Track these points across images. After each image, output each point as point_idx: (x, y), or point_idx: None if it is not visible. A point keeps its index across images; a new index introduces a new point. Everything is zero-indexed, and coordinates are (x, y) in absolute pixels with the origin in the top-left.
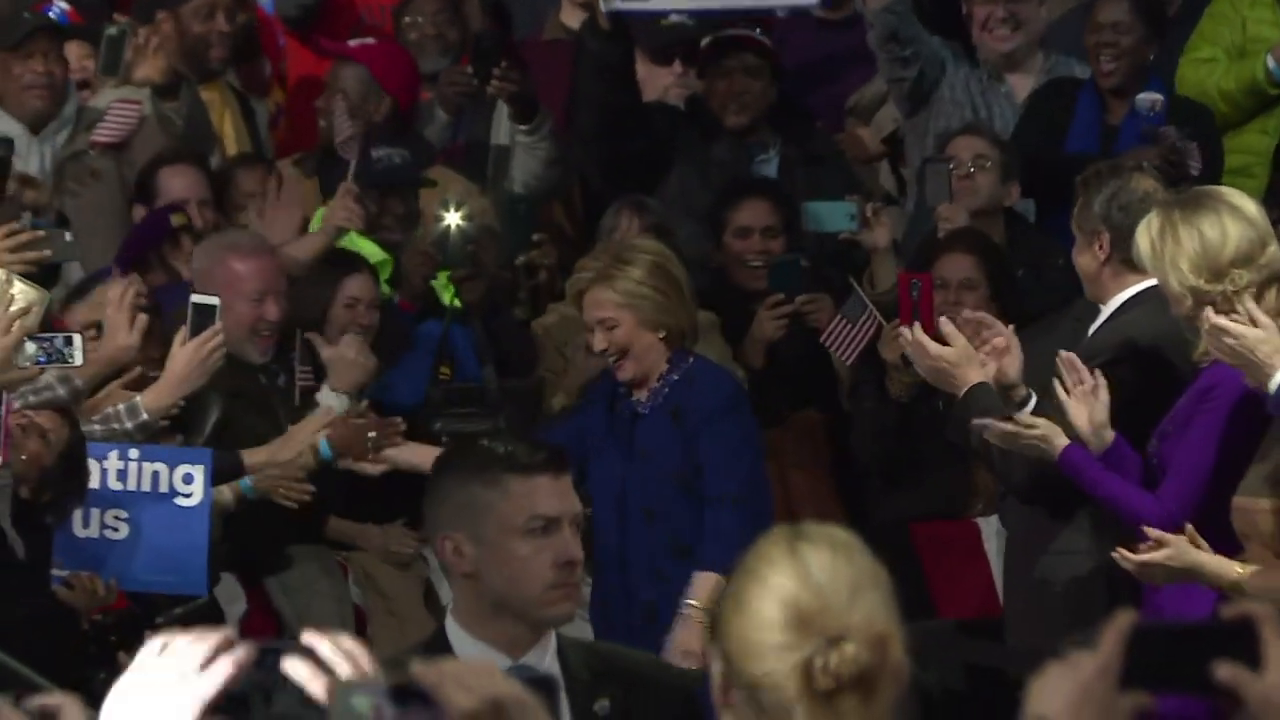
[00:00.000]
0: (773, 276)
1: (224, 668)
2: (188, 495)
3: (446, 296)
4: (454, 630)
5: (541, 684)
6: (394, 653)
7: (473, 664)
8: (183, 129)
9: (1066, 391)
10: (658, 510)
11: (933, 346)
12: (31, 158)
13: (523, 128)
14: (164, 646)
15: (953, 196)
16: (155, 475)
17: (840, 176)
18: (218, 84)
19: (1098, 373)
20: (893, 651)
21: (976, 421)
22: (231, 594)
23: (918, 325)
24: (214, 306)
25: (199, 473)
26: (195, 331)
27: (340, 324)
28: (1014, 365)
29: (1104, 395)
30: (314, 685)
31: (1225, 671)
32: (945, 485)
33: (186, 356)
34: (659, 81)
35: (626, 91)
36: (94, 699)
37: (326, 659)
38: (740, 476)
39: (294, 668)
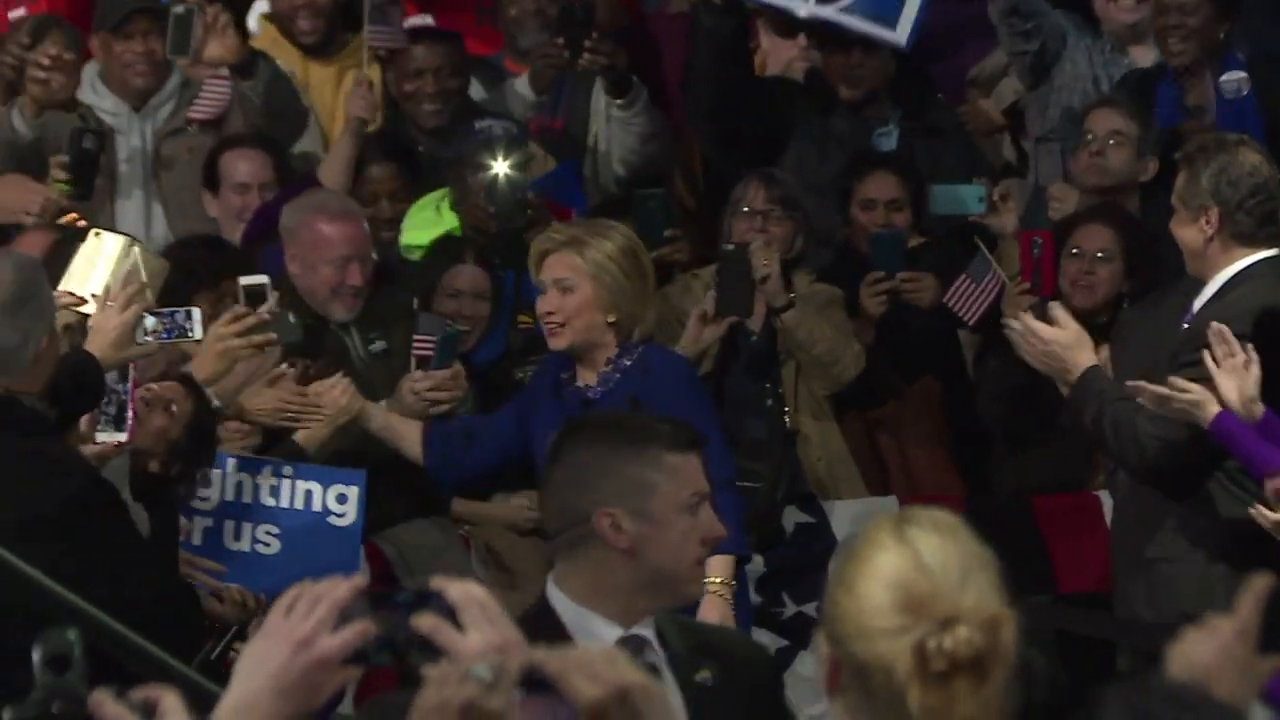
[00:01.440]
0: (874, 253)
1: (353, 628)
2: (340, 515)
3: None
4: (560, 600)
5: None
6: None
7: (597, 651)
8: (261, 108)
9: (1216, 363)
10: None
11: (1046, 330)
12: (134, 135)
13: (617, 102)
14: (291, 606)
15: (1067, 176)
16: (309, 494)
17: (961, 149)
18: (340, 58)
19: (1249, 346)
20: (1005, 633)
21: (1130, 384)
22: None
23: (1026, 315)
24: (264, 285)
25: (353, 494)
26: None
27: (446, 314)
28: (1251, 383)
29: (1255, 370)
30: (442, 636)
31: None
32: (1067, 456)
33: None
34: (783, 54)
35: (739, 67)
36: (208, 671)
37: (456, 605)
38: (726, 460)
39: (424, 621)
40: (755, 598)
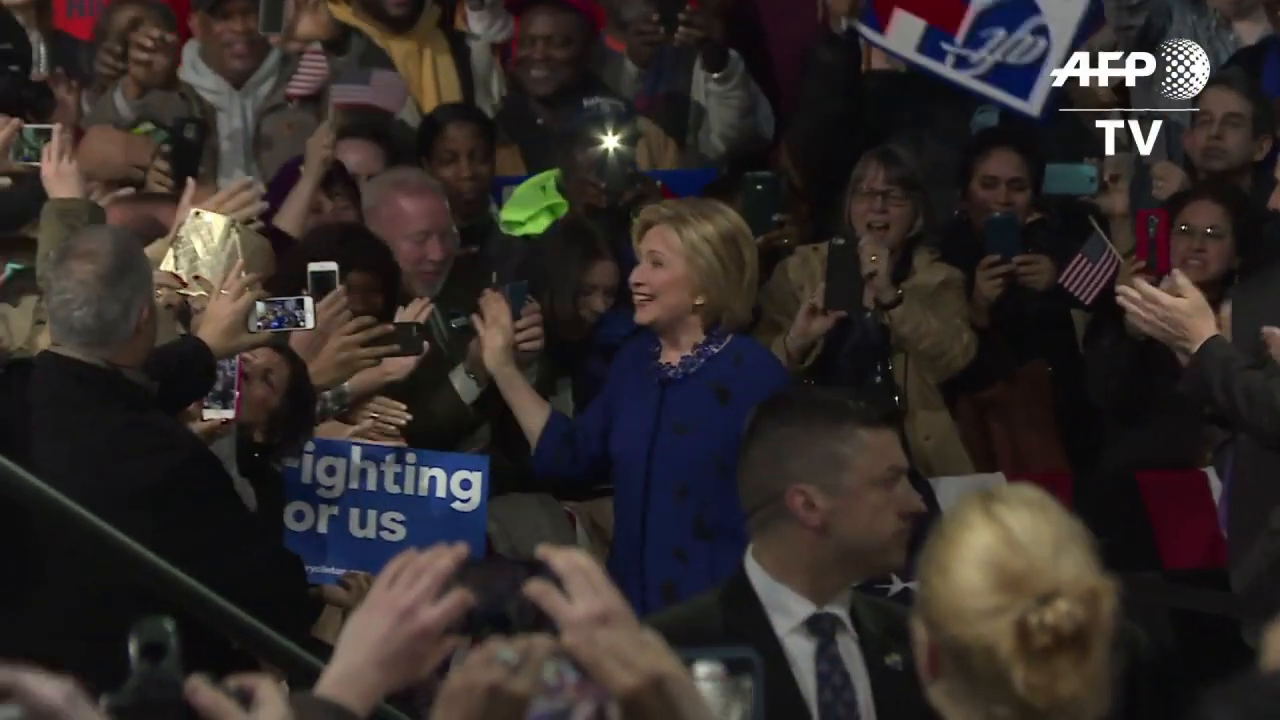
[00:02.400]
0: (989, 236)
1: (453, 598)
2: (465, 500)
3: None
4: (758, 575)
5: (739, 665)
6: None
7: (633, 638)
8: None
9: None
10: (690, 488)
11: (1166, 298)
12: (234, 113)
13: (714, 76)
14: (394, 578)
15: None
16: (433, 480)
17: (1067, 126)
18: (417, 33)
19: None
20: (1104, 606)
21: (1267, 329)
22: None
23: (1141, 281)
24: (332, 272)
25: (476, 479)
26: (317, 297)
27: (593, 311)
28: None
29: None
30: (551, 601)
31: None
32: (1174, 433)
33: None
34: None
35: (850, 98)
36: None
37: (562, 573)
38: None
39: (534, 587)
40: None
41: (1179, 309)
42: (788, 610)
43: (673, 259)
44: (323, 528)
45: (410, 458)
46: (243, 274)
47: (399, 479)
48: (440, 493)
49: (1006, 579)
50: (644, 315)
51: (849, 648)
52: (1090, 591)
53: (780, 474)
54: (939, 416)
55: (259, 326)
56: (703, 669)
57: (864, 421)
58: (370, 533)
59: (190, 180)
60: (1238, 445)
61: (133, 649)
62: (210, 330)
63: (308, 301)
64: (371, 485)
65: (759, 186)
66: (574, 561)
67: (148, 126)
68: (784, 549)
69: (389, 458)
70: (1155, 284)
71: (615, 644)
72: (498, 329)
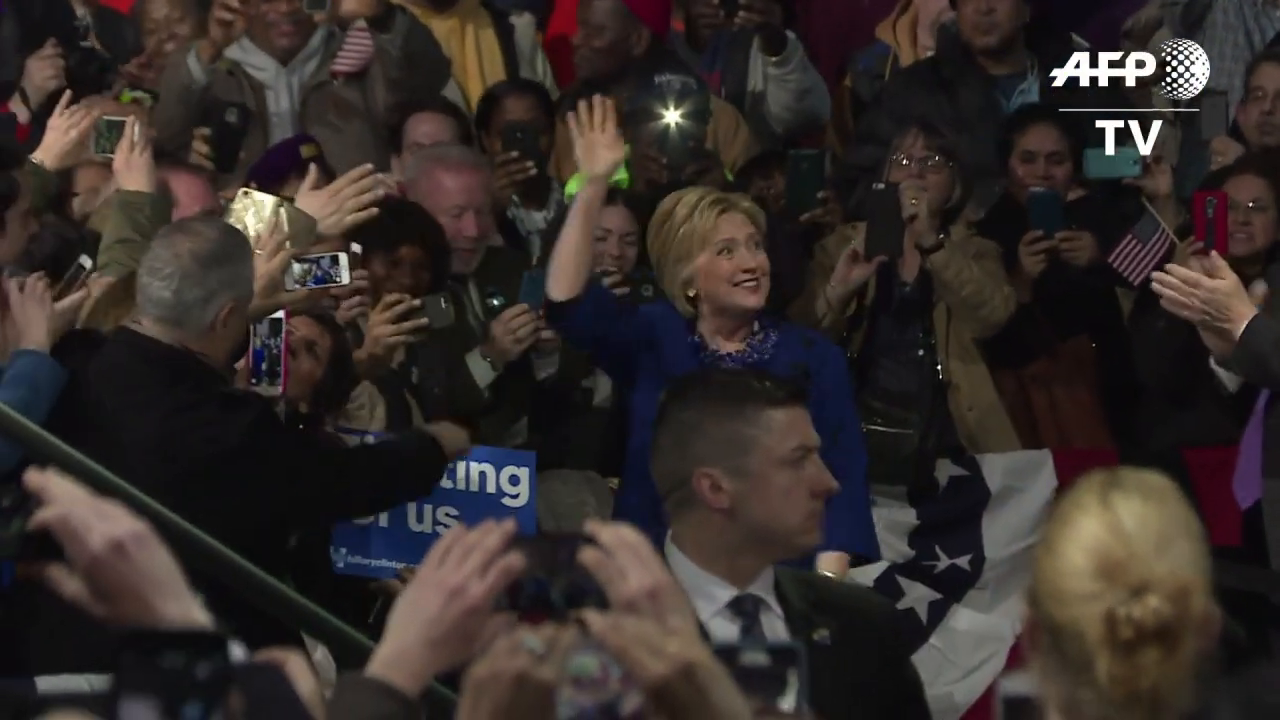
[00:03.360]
0: (1032, 211)
1: (500, 571)
2: (514, 496)
3: None
4: (677, 560)
5: (784, 654)
6: None
7: (663, 627)
8: (400, 59)
9: None
10: None
11: (1207, 280)
12: (281, 90)
13: (772, 59)
14: (443, 556)
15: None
16: (483, 476)
17: (1109, 102)
18: (459, 10)
19: None
20: (1195, 603)
21: None
22: None
23: (1178, 267)
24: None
25: (524, 475)
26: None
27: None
28: None
29: None
30: (606, 572)
31: None
32: (1221, 411)
33: None
34: (933, 6)
35: None
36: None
37: (610, 548)
38: (860, 452)
39: (589, 557)
40: (908, 551)
41: (1221, 290)
42: (709, 594)
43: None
44: (383, 522)
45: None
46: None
47: (450, 474)
48: (490, 488)
49: (1105, 566)
50: (758, 299)
51: (774, 626)
52: (1182, 588)
53: (686, 458)
54: (983, 388)
55: (296, 285)
56: (748, 658)
57: (769, 401)
58: (426, 527)
59: (313, 167)
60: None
61: None
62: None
63: (343, 258)
64: None
65: (803, 164)
66: (623, 536)
67: (137, 94)
68: (698, 533)
69: None
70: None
71: (643, 632)
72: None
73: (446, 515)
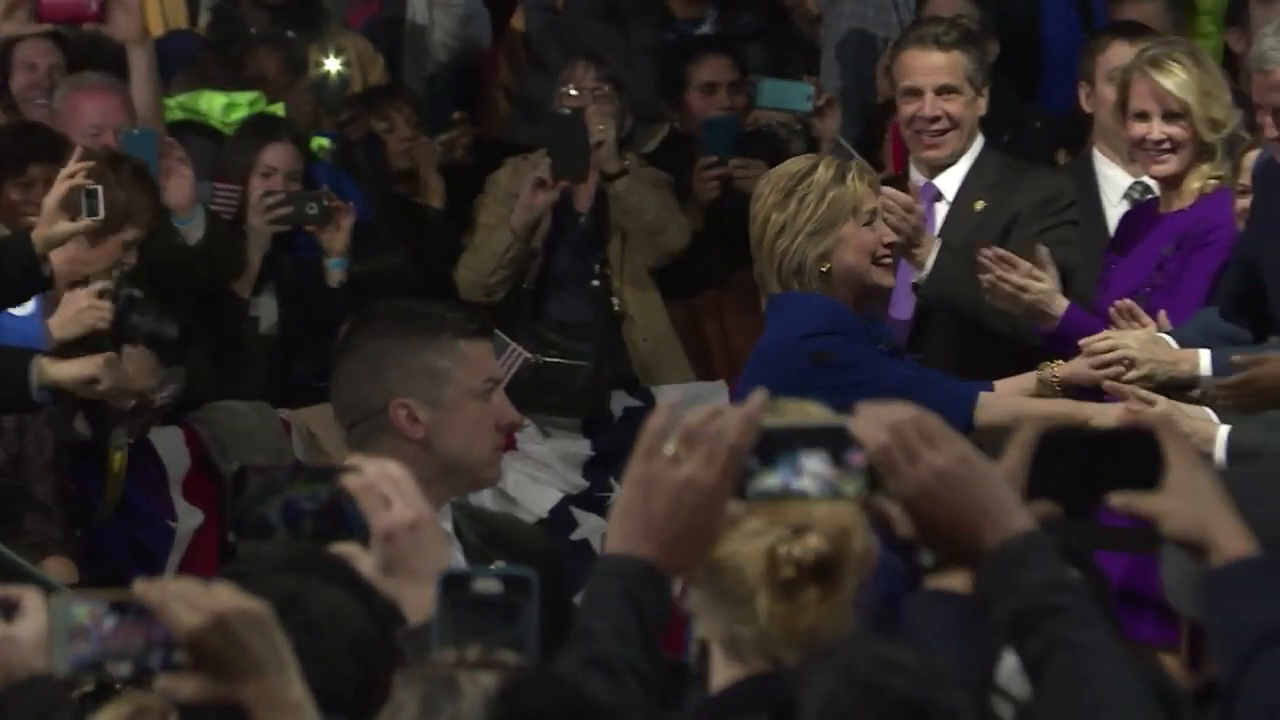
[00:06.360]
0: (707, 137)
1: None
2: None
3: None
4: None
5: (517, 582)
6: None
7: (197, 581)
8: None
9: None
10: None
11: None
12: None
13: None
14: None
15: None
16: None
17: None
18: None
19: None
20: (855, 542)
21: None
22: (176, 453)
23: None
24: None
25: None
26: None
27: (258, 193)
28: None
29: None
30: (368, 501)
31: (1120, 500)
32: None
33: None
34: None
35: None
36: None
37: (374, 481)
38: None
39: (353, 483)
40: (582, 482)
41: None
42: None
43: None
44: None
45: None
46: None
47: None
48: None
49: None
50: (893, 279)
51: (455, 559)
52: (842, 528)
53: (380, 388)
54: (657, 319)
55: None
56: (480, 585)
57: (462, 333)
58: None
59: None
60: None
61: None
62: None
63: (99, 190)
64: None
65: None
66: (388, 470)
67: None
68: None
69: None
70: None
71: (182, 586)
72: None
73: None
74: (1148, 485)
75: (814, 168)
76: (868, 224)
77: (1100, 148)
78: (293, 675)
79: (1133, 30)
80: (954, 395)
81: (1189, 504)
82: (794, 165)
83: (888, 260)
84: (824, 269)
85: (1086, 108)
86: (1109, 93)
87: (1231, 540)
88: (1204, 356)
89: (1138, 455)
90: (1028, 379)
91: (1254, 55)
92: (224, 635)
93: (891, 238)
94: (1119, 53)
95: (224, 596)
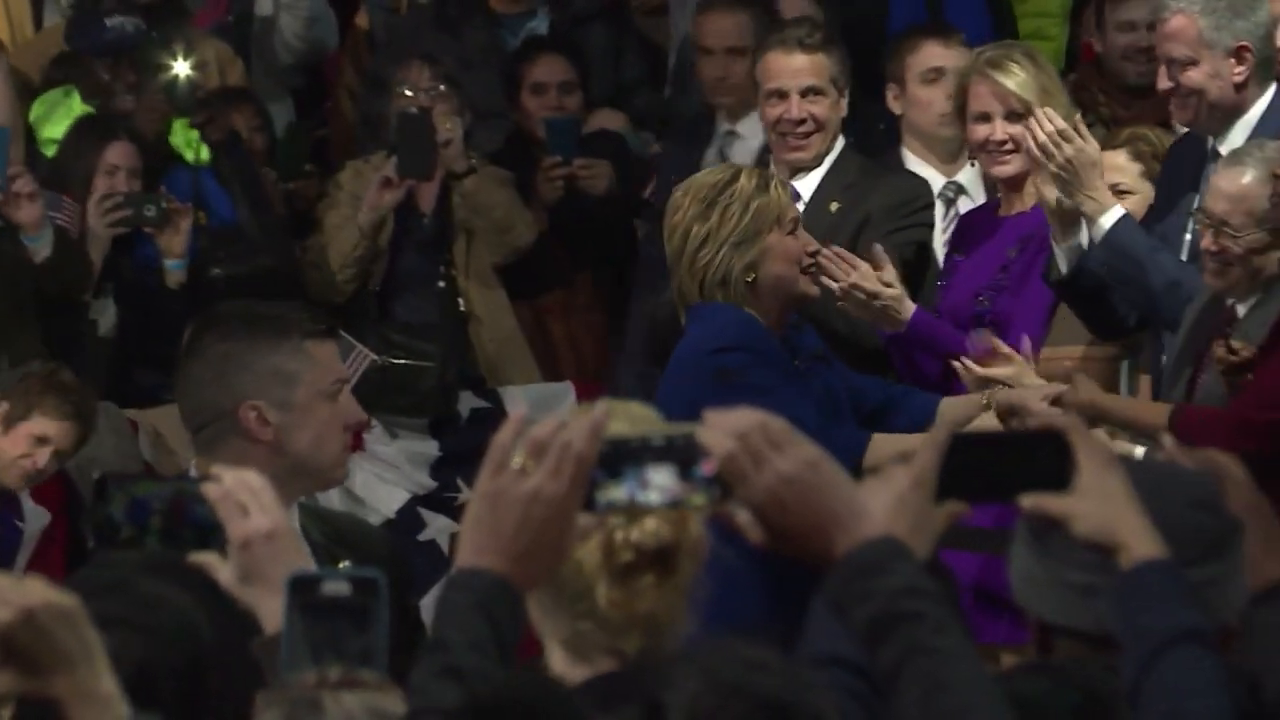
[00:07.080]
0: (549, 137)
1: None
2: None
3: (188, 151)
4: None
5: (365, 584)
6: None
7: (6, 576)
8: None
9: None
10: None
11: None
12: None
13: None
14: None
15: None
16: None
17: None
18: None
19: None
20: (692, 528)
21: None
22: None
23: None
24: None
25: None
26: None
27: (102, 191)
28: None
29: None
30: (224, 510)
31: (1030, 501)
32: None
33: None
34: None
35: None
36: None
37: (232, 490)
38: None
39: (211, 491)
40: (430, 482)
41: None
42: None
43: None
44: None
45: None
46: None
47: None
48: None
49: None
50: (818, 289)
51: (305, 561)
52: (679, 514)
53: (227, 391)
54: (503, 318)
55: None
56: (329, 587)
57: (309, 334)
58: None
59: None
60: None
61: None
62: None
63: None
64: None
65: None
66: (246, 479)
67: None
68: (236, 467)
69: None
70: None
71: None
72: None
73: None
74: (1058, 487)
75: (735, 177)
76: (791, 233)
77: (911, 147)
78: (103, 669)
79: (944, 30)
80: (843, 443)
81: (1099, 506)
82: (713, 175)
83: (812, 268)
84: (749, 279)
85: (895, 109)
86: (922, 94)
87: (1141, 542)
88: None
89: (1048, 457)
90: (972, 398)
91: (1154, 6)
92: (33, 630)
93: (814, 246)
94: (932, 53)
95: (34, 591)
